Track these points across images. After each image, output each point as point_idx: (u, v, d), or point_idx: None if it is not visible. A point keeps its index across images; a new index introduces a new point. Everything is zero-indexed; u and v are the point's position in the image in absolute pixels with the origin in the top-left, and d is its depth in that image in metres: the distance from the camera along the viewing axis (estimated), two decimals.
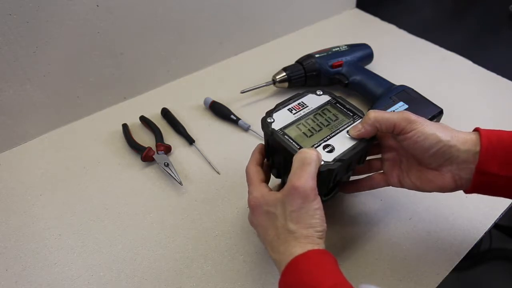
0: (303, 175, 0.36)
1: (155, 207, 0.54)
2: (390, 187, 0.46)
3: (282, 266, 0.36)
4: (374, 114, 0.41)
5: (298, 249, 0.35)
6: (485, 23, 0.93)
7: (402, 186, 0.45)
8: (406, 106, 0.59)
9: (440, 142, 0.39)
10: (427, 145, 0.39)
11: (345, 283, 0.34)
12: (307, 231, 0.36)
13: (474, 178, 0.39)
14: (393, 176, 0.45)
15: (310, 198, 0.36)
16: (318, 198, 0.37)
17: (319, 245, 0.36)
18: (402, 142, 0.41)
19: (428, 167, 0.42)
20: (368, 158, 0.48)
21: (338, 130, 0.44)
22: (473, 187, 0.40)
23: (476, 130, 0.40)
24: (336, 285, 0.33)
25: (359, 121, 0.45)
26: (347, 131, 0.44)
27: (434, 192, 0.43)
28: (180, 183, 0.56)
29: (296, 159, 0.38)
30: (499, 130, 0.39)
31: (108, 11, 0.60)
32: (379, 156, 0.47)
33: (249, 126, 0.64)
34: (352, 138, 0.43)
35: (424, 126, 0.39)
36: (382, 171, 0.47)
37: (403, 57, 0.79)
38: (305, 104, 0.47)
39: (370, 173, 0.48)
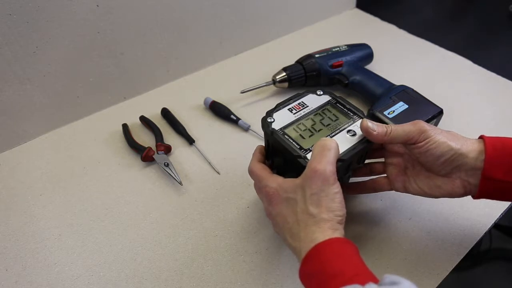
0: (323, 159, 0.37)
1: (155, 207, 0.54)
2: None
3: (302, 253, 0.36)
4: (393, 133, 0.41)
5: (319, 235, 0.35)
6: (485, 23, 0.93)
7: (407, 191, 0.45)
8: (406, 106, 0.59)
9: (451, 150, 0.39)
10: (439, 153, 0.40)
11: (367, 273, 0.34)
12: (328, 215, 0.36)
13: (480, 184, 0.40)
14: (397, 181, 0.45)
15: (330, 182, 0.37)
16: (338, 183, 0.37)
17: (339, 230, 0.37)
18: (413, 150, 0.42)
19: (437, 174, 0.42)
20: (370, 161, 0.48)
21: (338, 130, 0.44)
22: (480, 193, 0.40)
23: (481, 137, 0.41)
24: (358, 275, 0.33)
25: (359, 121, 0.45)
26: (347, 131, 0.44)
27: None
28: (180, 183, 0.56)
29: (316, 146, 0.38)
30: (504, 138, 0.40)
31: (108, 11, 0.60)
32: (381, 159, 0.47)
33: (249, 126, 0.64)
34: (352, 138, 0.43)
35: (436, 135, 0.40)
36: (385, 174, 0.47)
37: (403, 57, 0.79)
38: (306, 104, 0.47)
39: (371, 176, 0.48)
